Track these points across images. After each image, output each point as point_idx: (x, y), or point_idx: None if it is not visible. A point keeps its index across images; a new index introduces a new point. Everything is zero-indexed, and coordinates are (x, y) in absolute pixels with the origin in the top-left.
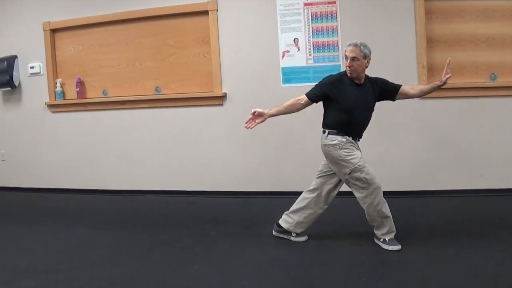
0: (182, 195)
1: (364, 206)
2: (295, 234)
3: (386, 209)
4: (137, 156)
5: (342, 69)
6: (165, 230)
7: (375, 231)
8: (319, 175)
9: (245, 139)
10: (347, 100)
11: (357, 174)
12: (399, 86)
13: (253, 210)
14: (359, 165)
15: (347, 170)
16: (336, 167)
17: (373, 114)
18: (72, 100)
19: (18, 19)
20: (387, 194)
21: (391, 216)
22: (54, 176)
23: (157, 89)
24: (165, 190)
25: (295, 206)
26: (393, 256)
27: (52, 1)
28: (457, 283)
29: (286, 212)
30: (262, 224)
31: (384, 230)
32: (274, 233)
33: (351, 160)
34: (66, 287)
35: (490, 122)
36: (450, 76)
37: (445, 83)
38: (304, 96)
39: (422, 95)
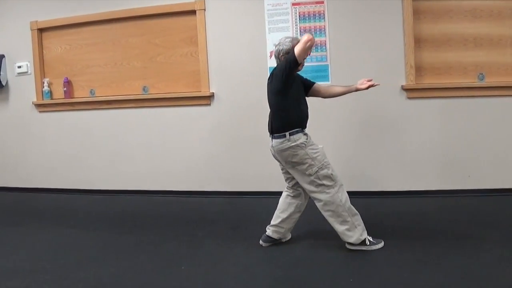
0: (169, 195)
1: (331, 210)
2: (285, 238)
3: (351, 206)
4: (125, 156)
5: (330, 68)
6: (152, 230)
7: (348, 239)
8: (290, 179)
9: (232, 139)
10: (298, 90)
11: (325, 171)
12: (313, 83)
13: (240, 210)
14: (325, 162)
15: (315, 169)
16: (300, 169)
17: (359, 114)
18: (60, 100)
19: (5, 18)
20: (373, 194)
21: (358, 213)
22: (41, 176)
23: (144, 89)
24: (152, 190)
25: (282, 215)
26: (380, 256)
27: (40, 1)
28: (445, 283)
29: (274, 224)
30: (249, 224)
31: (359, 231)
32: (264, 244)
33: (318, 157)
34: (54, 287)
35: (477, 122)
36: (368, 86)
37: (359, 89)
38: None
39: (334, 96)
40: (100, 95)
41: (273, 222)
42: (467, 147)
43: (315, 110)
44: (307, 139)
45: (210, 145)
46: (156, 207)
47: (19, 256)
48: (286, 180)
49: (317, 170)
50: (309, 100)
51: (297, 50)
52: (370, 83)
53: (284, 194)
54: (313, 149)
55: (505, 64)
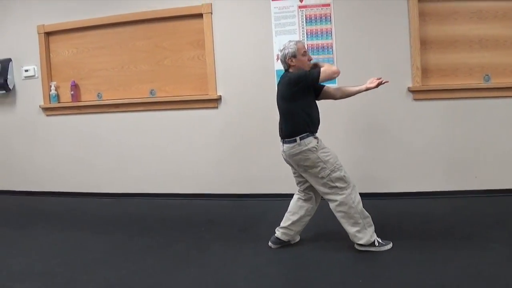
0: (177, 198)
1: (343, 211)
2: (294, 240)
3: (363, 208)
4: (132, 159)
5: None
6: (160, 233)
7: (358, 241)
8: (302, 182)
9: (239, 141)
10: (308, 94)
11: (337, 174)
12: (323, 86)
13: (248, 212)
14: (337, 164)
15: (327, 172)
16: (312, 172)
17: (366, 116)
18: (67, 103)
19: (12, 22)
20: (381, 196)
21: (369, 215)
22: (49, 179)
23: (152, 92)
24: (160, 193)
25: (293, 218)
26: (389, 257)
27: (47, 4)
28: (453, 283)
29: (284, 226)
30: (257, 226)
31: (369, 233)
32: (273, 246)
33: (330, 160)
34: None
35: (484, 123)
36: (377, 84)
37: (369, 88)
38: None
39: (346, 97)
40: (108, 99)
41: (282, 224)
42: (474, 148)
43: (322, 112)
44: (318, 143)
45: (218, 148)
46: (164, 210)
47: (28, 258)
48: (298, 184)
49: (330, 173)
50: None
51: (324, 74)
52: (379, 80)
53: (295, 197)
54: (324, 152)
55: (510, 65)
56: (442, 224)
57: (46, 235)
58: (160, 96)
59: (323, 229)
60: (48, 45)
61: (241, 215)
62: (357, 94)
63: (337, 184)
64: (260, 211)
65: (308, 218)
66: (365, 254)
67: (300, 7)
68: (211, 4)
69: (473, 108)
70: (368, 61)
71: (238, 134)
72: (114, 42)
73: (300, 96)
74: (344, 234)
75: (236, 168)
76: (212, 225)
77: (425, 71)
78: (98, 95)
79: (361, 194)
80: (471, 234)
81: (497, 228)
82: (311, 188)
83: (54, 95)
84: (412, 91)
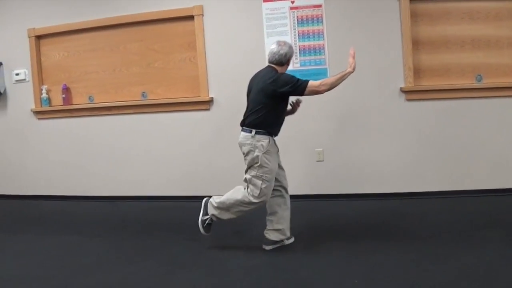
0: (169, 200)
1: (236, 204)
2: (287, 239)
3: (239, 215)
4: (125, 161)
5: (329, 72)
6: (154, 236)
7: (214, 211)
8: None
9: (232, 143)
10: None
11: (259, 183)
12: None
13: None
14: (266, 176)
15: (255, 173)
16: (248, 163)
17: (358, 116)
18: (58, 107)
19: (2, 25)
20: (374, 196)
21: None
22: (41, 183)
23: (143, 95)
24: (152, 195)
25: (272, 218)
26: (385, 257)
27: (37, 8)
28: (450, 282)
29: (271, 228)
30: (251, 228)
31: (217, 212)
32: (267, 248)
33: (264, 168)
34: None
35: (476, 123)
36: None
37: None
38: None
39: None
40: (99, 102)
41: (268, 227)
42: (466, 148)
43: (314, 110)
44: (268, 144)
45: (210, 150)
46: (158, 212)
47: (23, 263)
48: None
49: (255, 175)
50: (310, 99)
51: (310, 89)
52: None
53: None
54: (266, 158)
55: (502, 65)
56: (436, 224)
57: (40, 239)
58: (152, 98)
59: (317, 231)
60: (39, 48)
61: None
62: (350, 94)
63: (253, 188)
64: (254, 213)
65: (287, 212)
66: (360, 254)
67: (291, 8)
68: (202, 6)
69: (465, 108)
70: (360, 62)
71: (230, 136)
72: (105, 44)
73: (279, 98)
74: (340, 236)
75: (228, 170)
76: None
77: (417, 72)
78: (89, 98)
79: (354, 195)
80: (467, 233)
81: (492, 228)
82: (276, 182)
83: (45, 98)
84: (404, 91)
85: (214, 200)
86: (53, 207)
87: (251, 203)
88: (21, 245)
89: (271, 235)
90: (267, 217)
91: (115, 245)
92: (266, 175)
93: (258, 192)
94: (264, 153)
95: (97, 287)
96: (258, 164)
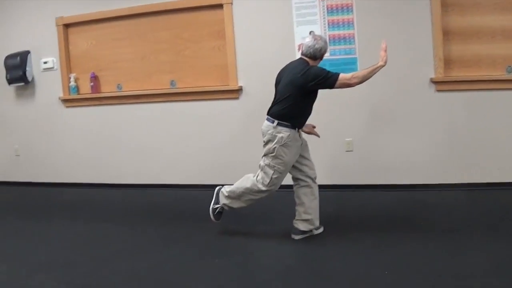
0: (198, 189)
1: (245, 191)
2: (316, 229)
3: (250, 203)
4: (153, 150)
5: (358, 61)
6: (183, 223)
7: (225, 200)
8: (298, 168)
9: (261, 132)
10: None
11: (270, 172)
12: None
13: (271, 203)
14: (280, 167)
15: (268, 161)
16: (265, 151)
17: (387, 106)
18: (87, 95)
19: (31, 14)
20: (402, 187)
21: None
22: (69, 171)
23: (172, 83)
24: (181, 184)
25: (300, 208)
26: (415, 248)
27: None
28: (478, 275)
29: (299, 218)
30: (281, 217)
31: (228, 201)
32: (296, 237)
33: (278, 160)
34: (86, 281)
35: (506, 115)
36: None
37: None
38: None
39: None
40: (127, 90)
41: (296, 217)
42: (497, 139)
43: (344, 100)
44: (288, 137)
45: (239, 139)
46: (186, 201)
47: (51, 249)
48: (291, 173)
49: (268, 164)
50: (336, 92)
51: (340, 82)
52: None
53: (294, 188)
54: (283, 151)
55: None
56: (465, 216)
57: (68, 226)
58: (181, 87)
59: (346, 221)
60: (67, 37)
61: (265, 206)
62: (380, 84)
63: (263, 176)
64: (284, 202)
65: (316, 201)
66: (390, 245)
67: None
68: None
69: (495, 100)
70: (390, 51)
71: (259, 125)
72: (134, 33)
73: (308, 91)
74: (368, 226)
75: (257, 159)
76: (235, 216)
77: (448, 62)
78: (118, 87)
79: (382, 186)
80: (495, 226)
81: None
82: (300, 173)
83: (73, 86)
84: (434, 82)
85: (225, 189)
86: (80, 195)
87: (260, 191)
88: (50, 232)
89: (300, 225)
90: (296, 207)
91: (143, 233)
92: (279, 166)
93: (268, 181)
94: (282, 145)
95: (125, 275)
96: (273, 154)
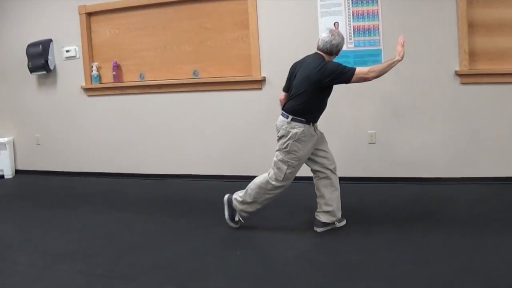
0: (220, 180)
1: (256, 188)
2: (339, 221)
3: (266, 203)
4: (175, 140)
5: (383, 53)
6: (204, 215)
7: (240, 205)
8: (315, 160)
9: None
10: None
11: (283, 167)
12: None
13: (294, 195)
14: (293, 162)
15: (281, 157)
16: (279, 145)
17: (412, 98)
18: (109, 84)
19: (53, 2)
20: (426, 180)
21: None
22: (90, 160)
23: (195, 73)
24: (203, 174)
25: (321, 200)
26: (439, 242)
27: None
28: (502, 270)
29: (320, 210)
30: (304, 209)
31: (244, 207)
32: (318, 230)
33: (292, 155)
34: (106, 271)
35: None
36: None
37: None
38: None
39: None
40: (150, 79)
41: (318, 209)
42: None
43: (368, 92)
44: (302, 132)
45: (261, 129)
46: (208, 191)
47: (70, 239)
48: (309, 166)
49: (282, 159)
50: (360, 85)
51: (357, 76)
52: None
53: (314, 180)
54: (297, 146)
55: None
56: (489, 210)
57: (89, 216)
58: (204, 77)
59: (369, 214)
60: (90, 25)
61: (287, 198)
62: (404, 77)
63: (276, 170)
64: (306, 194)
65: (336, 193)
66: (414, 238)
67: None
68: None
69: None
70: (415, 44)
71: None
72: (157, 22)
73: (324, 87)
74: (391, 218)
75: None
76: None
77: (472, 55)
78: (140, 76)
79: (404, 179)
80: None
81: None
82: (317, 165)
83: (95, 75)
84: (459, 74)
85: (238, 195)
86: (101, 184)
87: (274, 187)
88: (71, 221)
89: (322, 217)
90: (317, 200)
91: (164, 223)
92: (292, 161)
93: (282, 176)
94: (295, 140)
95: (145, 266)
96: (287, 149)
